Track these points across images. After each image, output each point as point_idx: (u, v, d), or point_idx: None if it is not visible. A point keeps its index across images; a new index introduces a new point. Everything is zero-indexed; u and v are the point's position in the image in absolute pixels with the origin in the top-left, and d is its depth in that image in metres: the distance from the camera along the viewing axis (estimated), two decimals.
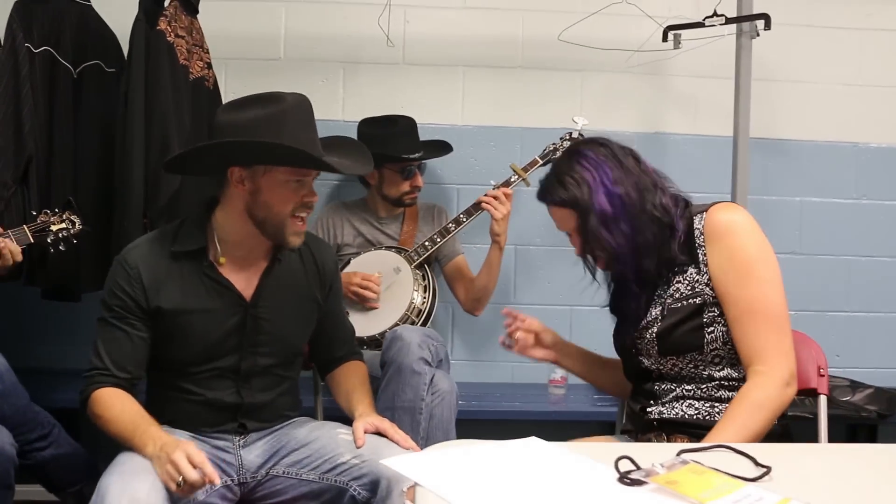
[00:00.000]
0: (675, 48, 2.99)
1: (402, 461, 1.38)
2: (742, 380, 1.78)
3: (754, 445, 1.42)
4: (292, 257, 2.07)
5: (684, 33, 2.98)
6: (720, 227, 1.77)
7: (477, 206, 2.89)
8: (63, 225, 2.36)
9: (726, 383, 1.81)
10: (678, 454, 1.35)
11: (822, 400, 2.02)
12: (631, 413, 1.94)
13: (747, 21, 2.86)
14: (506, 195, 2.83)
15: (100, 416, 1.86)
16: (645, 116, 3.30)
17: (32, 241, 2.29)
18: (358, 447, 1.88)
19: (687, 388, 1.82)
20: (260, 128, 1.86)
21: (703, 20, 2.89)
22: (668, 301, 1.81)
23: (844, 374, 3.15)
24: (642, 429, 1.87)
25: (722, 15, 2.86)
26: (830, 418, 2.88)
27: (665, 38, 3.00)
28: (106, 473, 1.74)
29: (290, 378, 2.12)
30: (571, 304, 3.30)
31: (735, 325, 1.74)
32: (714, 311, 1.77)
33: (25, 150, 2.51)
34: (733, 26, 2.91)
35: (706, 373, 1.81)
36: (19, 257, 2.22)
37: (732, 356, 1.80)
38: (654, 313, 1.82)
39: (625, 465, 1.28)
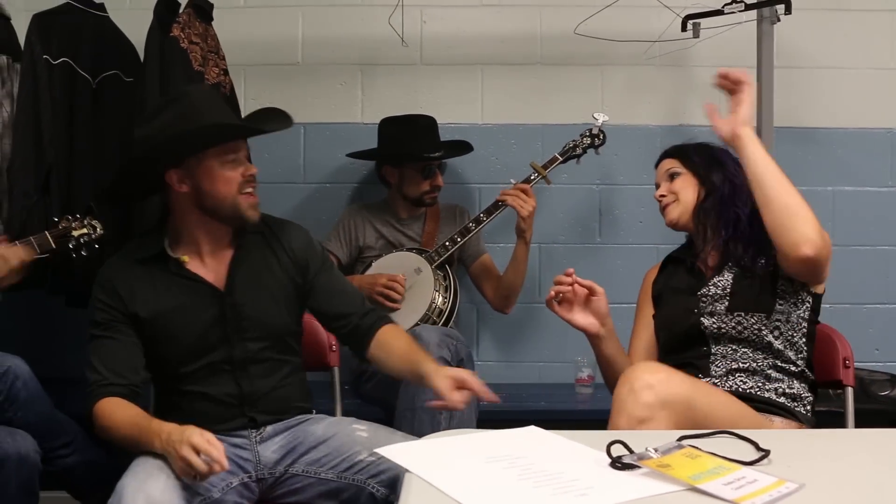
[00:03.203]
0: (694, 37, 2.93)
1: (394, 449, 1.36)
2: (792, 370, 1.91)
3: (757, 431, 1.38)
4: (256, 241, 2.07)
5: (704, 21, 2.92)
6: None
7: (496, 205, 2.87)
8: (84, 230, 2.38)
9: (781, 364, 1.90)
10: (678, 440, 1.32)
11: (849, 392, 2.03)
12: None
13: (767, 6, 2.79)
14: (524, 189, 2.80)
15: (105, 427, 1.89)
16: (668, 109, 3.24)
17: (55, 246, 2.31)
18: (454, 404, 1.84)
19: (744, 356, 1.91)
20: (175, 127, 1.91)
21: (723, 7, 2.83)
22: (742, 263, 1.95)
23: (885, 369, 3.04)
24: None
25: (741, 1, 2.80)
26: (869, 413, 2.81)
27: (684, 28, 2.95)
28: (123, 476, 1.77)
29: (289, 363, 2.08)
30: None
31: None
32: (785, 287, 1.92)
33: (45, 159, 2.56)
34: (754, 12, 2.84)
35: (767, 339, 1.90)
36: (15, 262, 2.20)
37: (790, 337, 1.93)
38: (727, 276, 1.97)
39: (617, 451, 1.24)
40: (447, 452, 1.32)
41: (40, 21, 2.58)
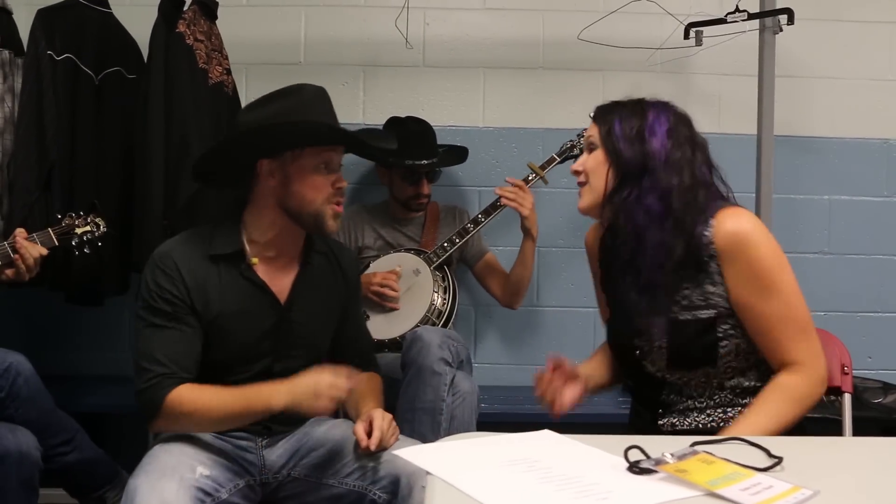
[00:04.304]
0: (697, 45, 2.95)
1: (414, 451, 1.36)
2: (753, 388, 1.76)
3: (768, 438, 1.39)
4: (322, 262, 2.07)
5: (706, 30, 2.93)
6: (734, 239, 1.68)
7: (495, 206, 2.88)
8: (87, 228, 2.37)
9: (738, 390, 1.76)
10: (691, 445, 1.33)
11: (847, 398, 2.01)
12: (639, 419, 1.89)
13: (770, 16, 2.81)
14: (520, 186, 2.81)
15: (189, 412, 1.82)
16: None
17: (57, 243, 2.30)
18: (363, 449, 1.85)
19: (699, 401, 1.77)
20: (282, 118, 1.89)
21: (726, 16, 2.85)
22: (676, 310, 1.72)
23: (877, 377, 3.07)
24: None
25: (744, 10, 2.81)
26: (862, 420, 2.83)
27: (687, 36, 2.96)
28: (134, 475, 1.75)
29: None
30: (594, 306, 3.25)
31: (762, 337, 1.70)
32: (727, 325, 1.71)
33: (48, 156, 2.55)
34: (756, 22, 2.86)
35: (716, 382, 1.76)
36: (31, 261, 2.18)
37: (744, 366, 1.75)
38: (660, 323, 1.73)
39: (634, 455, 1.25)
40: (466, 455, 1.32)
41: (45, 16, 2.58)
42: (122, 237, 2.63)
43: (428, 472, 1.21)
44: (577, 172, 1.83)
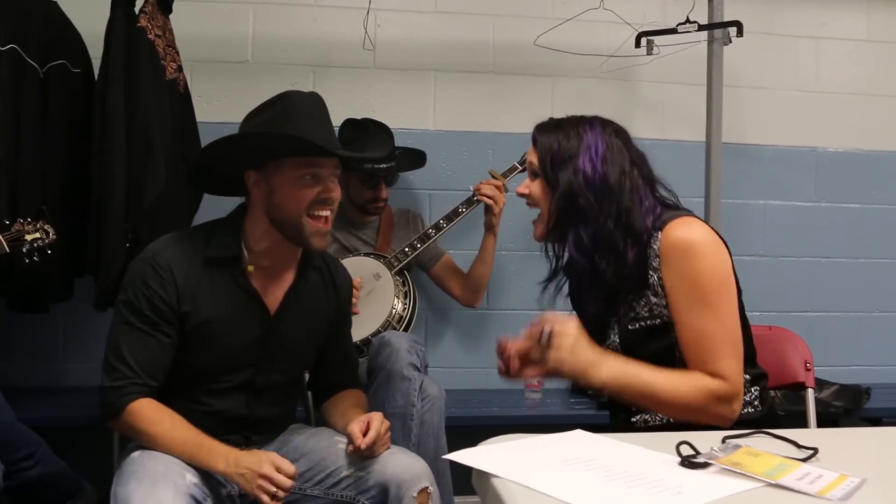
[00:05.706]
0: (648, 54, 3.03)
1: (467, 455, 1.31)
2: None
3: (791, 431, 1.43)
4: (316, 278, 2.04)
5: (656, 40, 3.02)
6: (676, 245, 1.68)
7: (457, 212, 2.89)
8: (37, 235, 2.26)
9: None
10: (723, 440, 1.36)
11: (810, 393, 2.10)
12: (615, 419, 1.92)
13: (720, 28, 2.92)
14: (498, 187, 2.86)
15: (144, 430, 1.79)
16: (615, 121, 3.33)
17: (8, 250, 2.19)
18: (357, 446, 1.83)
19: None
20: (266, 128, 1.86)
21: (676, 27, 2.94)
22: (625, 321, 1.76)
23: None
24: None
25: (695, 22, 2.91)
26: (797, 414, 2.98)
27: (638, 45, 3.04)
28: (120, 483, 1.70)
29: (294, 394, 2.12)
30: (544, 309, 3.30)
31: (687, 349, 1.68)
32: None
33: None
34: (705, 33, 2.97)
35: None
36: None
37: None
38: (612, 336, 1.78)
39: (684, 450, 1.28)
40: (517, 458, 1.30)
41: None
42: (69, 241, 2.49)
43: (493, 475, 1.19)
44: (523, 195, 1.84)
